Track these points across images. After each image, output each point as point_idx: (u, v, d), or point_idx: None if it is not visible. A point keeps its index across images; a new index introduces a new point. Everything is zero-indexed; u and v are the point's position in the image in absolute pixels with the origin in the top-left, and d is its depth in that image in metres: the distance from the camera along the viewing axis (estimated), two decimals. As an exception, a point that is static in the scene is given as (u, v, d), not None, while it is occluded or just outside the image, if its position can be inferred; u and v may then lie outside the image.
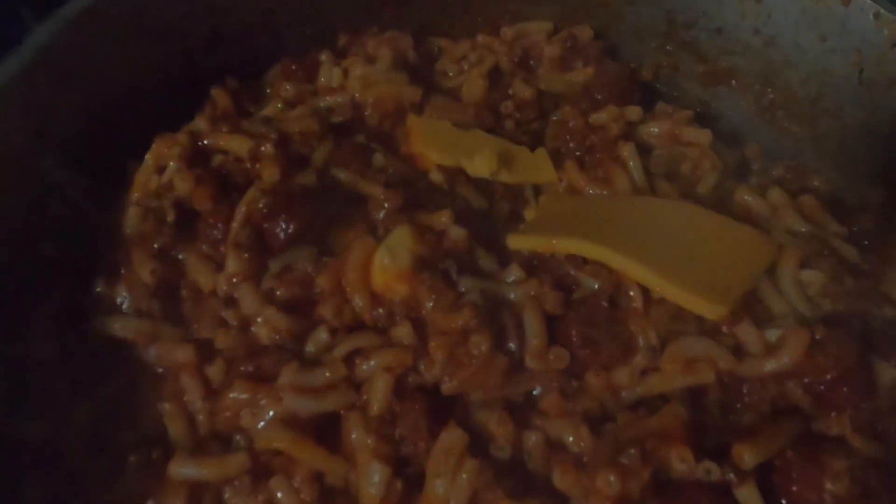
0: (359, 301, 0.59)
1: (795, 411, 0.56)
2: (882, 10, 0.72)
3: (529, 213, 0.71)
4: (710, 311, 0.54)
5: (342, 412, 0.55)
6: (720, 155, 0.80)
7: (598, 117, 0.79)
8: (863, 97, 0.77)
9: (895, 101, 0.74)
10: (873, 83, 0.75)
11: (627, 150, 0.74)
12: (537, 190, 0.75)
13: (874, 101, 0.76)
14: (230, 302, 0.60)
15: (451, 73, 0.87)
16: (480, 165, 0.70)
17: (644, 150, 0.78)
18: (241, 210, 0.60)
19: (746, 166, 0.85)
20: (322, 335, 0.58)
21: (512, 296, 0.59)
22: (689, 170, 0.77)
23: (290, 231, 0.59)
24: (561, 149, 0.79)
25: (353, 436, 0.54)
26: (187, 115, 0.73)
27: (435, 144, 0.73)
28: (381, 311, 0.59)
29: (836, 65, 0.77)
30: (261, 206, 0.59)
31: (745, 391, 0.56)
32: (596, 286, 0.58)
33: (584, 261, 0.60)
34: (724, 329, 0.56)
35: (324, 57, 0.83)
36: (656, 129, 0.80)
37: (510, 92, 0.84)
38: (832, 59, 0.78)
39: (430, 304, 0.58)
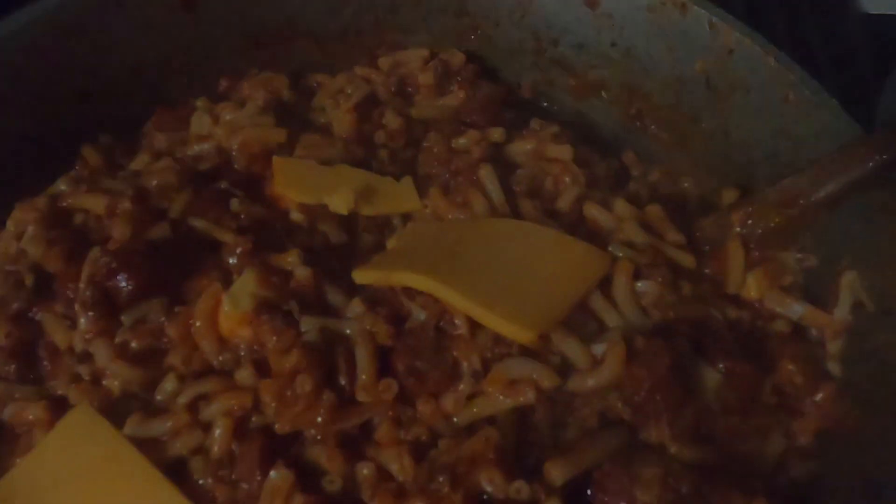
0: (206, 347, 0.62)
1: (621, 423, 0.58)
2: (714, 19, 0.75)
3: (391, 242, 0.74)
4: (519, 334, 0.56)
5: (188, 456, 0.58)
6: (591, 167, 0.82)
7: (460, 142, 0.81)
8: (713, 102, 0.79)
9: (740, 106, 0.77)
10: (719, 89, 0.78)
11: (485, 173, 0.76)
12: (406, 218, 0.77)
13: (723, 106, 0.78)
14: (85, 357, 0.63)
15: (327, 109, 0.89)
16: (338, 203, 0.72)
17: (512, 170, 0.81)
18: (84, 270, 0.63)
19: (626, 173, 0.88)
20: (169, 384, 0.60)
21: (348, 331, 0.61)
22: (552, 185, 0.79)
23: (130, 287, 0.62)
24: (432, 175, 0.82)
25: (197, 479, 0.57)
26: (60, 174, 0.76)
27: (296, 184, 0.75)
28: (227, 355, 0.62)
29: (686, 73, 0.80)
30: (101, 265, 0.62)
31: (575, 406, 0.59)
32: (422, 316, 0.60)
33: (417, 292, 0.62)
34: (540, 350, 0.58)
35: (199, 104, 0.85)
36: (522, 147, 0.82)
37: (383, 122, 0.87)
38: (681, 68, 0.80)
39: (271, 346, 0.61)
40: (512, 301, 0.58)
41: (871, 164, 0.59)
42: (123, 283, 0.62)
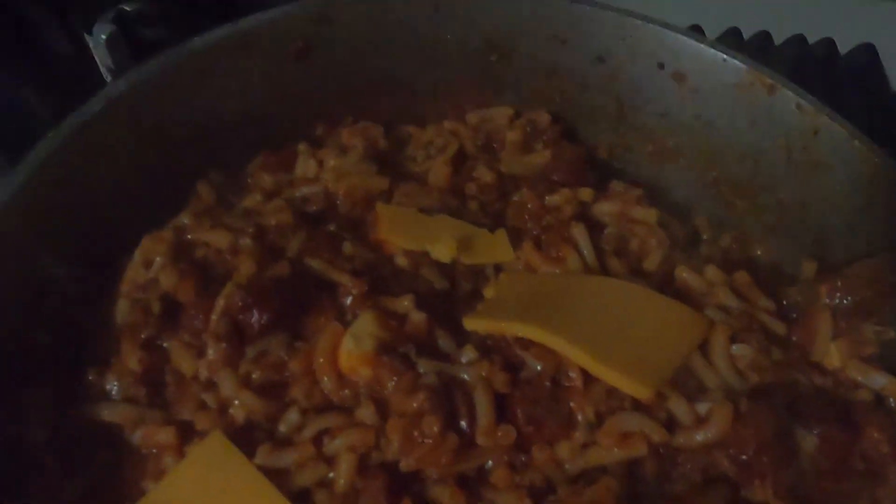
0: (327, 383, 0.65)
1: (724, 479, 0.61)
2: (802, 101, 0.80)
3: (489, 291, 0.77)
4: (637, 391, 0.60)
5: (312, 488, 0.61)
6: (669, 228, 0.87)
7: (553, 199, 0.85)
8: (792, 177, 0.84)
9: (821, 182, 0.81)
10: (800, 165, 0.83)
11: (578, 231, 0.81)
12: (497, 268, 0.81)
13: (802, 181, 0.83)
14: (210, 386, 0.66)
15: (418, 159, 0.94)
16: (441, 252, 0.77)
17: (598, 228, 0.85)
18: (219, 303, 0.66)
19: (697, 236, 0.93)
20: (293, 416, 0.64)
21: (465, 376, 0.65)
22: (637, 246, 0.84)
23: (263, 321, 0.65)
24: (521, 228, 0.86)
25: (322, 511, 0.60)
26: (174, 207, 0.80)
27: (400, 231, 0.80)
28: (347, 392, 0.65)
29: (767, 147, 0.85)
30: (236, 299, 0.66)
31: (678, 461, 0.62)
32: (539, 367, 0.64)
33: (531, 342, 0.66)
34: (653, 406, 0.61)
35: (301, 148, 0.90)
36: (608, 208, 0.87)
37: (474, 175, 0.92)
38: (763, 142, 0.85)
39: (391, 385, 0.64)
40: (626, 357, 0.62)
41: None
42: (255, 318, 0.65)
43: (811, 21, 1.44)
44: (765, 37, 1.37)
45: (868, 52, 1.44)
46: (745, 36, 1.37)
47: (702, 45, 0.85)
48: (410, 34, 0.91)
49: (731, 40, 1.33)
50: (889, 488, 0.66)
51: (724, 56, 0.84)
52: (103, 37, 0.73)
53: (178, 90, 0.80)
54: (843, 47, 1.42)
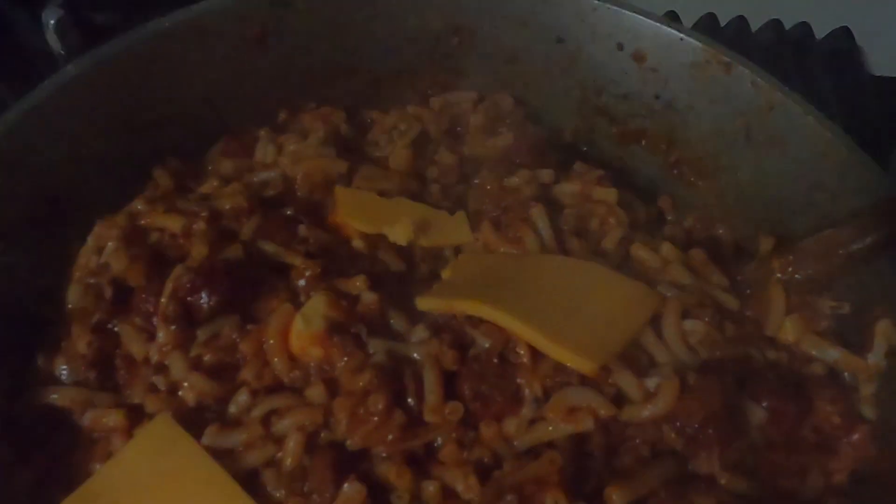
0: (278, 364, 0.65)
1: (672, 453, 0.62)
2: (757, 78, 0.80)
3: (446, 272, 0.77)
4: (582, 365, 0.60)
5: (260, 468, 0.61)
6: (632, 209, 0.87)
7: (512, 181, 0.85)
8: (751, 155, 0.84)
9: (778, 159, 0.82)
10: (758, 143, 0.83)
11: (536, 212, 0.80)
12: (457, 250, 0.81)
13: (760, 158, 0.83)
14: (161, 368, 0.66)
15: (381, 143, 0.94)
16: (398, 234, 0.77)
17: (559, 209, 0.85)
18: (168, 286, 0.66)
19: (662, 217, 0.93)
20: (242, 397, 0.64)
21: (415, 355, 0.65)
22: (597, 226, 0.83)
23: (211, 303, 0.65)
24: (482, 211, 0.86)
25: (270, 491, 0.60)
26: (132, 193, 0.80)
27: (358, 214, 0.80)
28: (297, 373, 0.65)
29: (726, 126, 0.85)
30: (184, 281, 0.66)
31: (626, 435, 0.62)
32: (486, 344, 0.64)
33: (480, 320, 0.66)
34: (599, 381, 0.61)
35: (262, 133, 0.90)
36: (569, 189, 0.87)
37: (435, 158, 0.91)
38: (722, 121, 0.85)
39: (341, 365, 0.64)
40: (574, 333, 0.62)
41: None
42: (205, 300, 0.65)
43: (787, 6, 1.45)
44: (741, 22, 1.38)
45: (844, 36, 1.44)
46: (722, 22, 1.37)
47: (659, 25, 0.85)
48: (371, 18, 0.91)
49: (708, 26, 1.33)
50: (841, 460, 0.67)
51: (681, 35, 0.84)
52: (52, 22, 0.72)
53: (131, 76, 0.79)
54: (820, 31, 1.42)
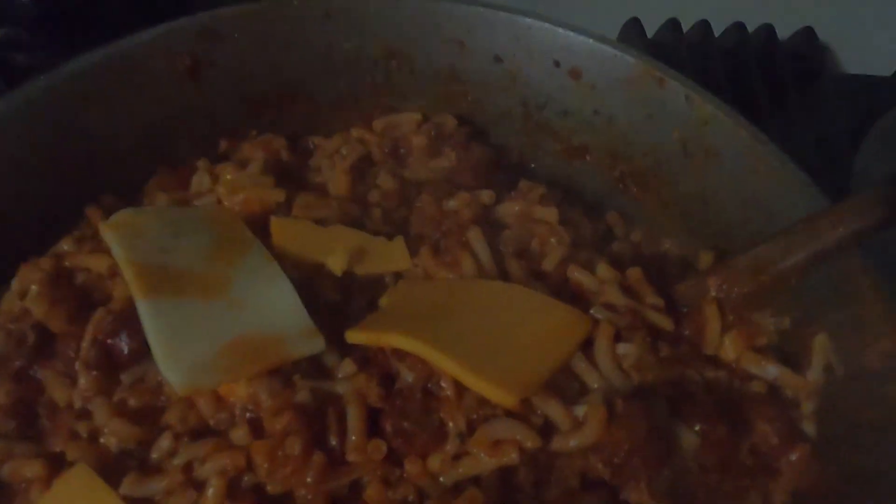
0: (203, 406, 0.64)
1: (602, 483, 0.60)
2: (691, 93, 0.79)
3: (383, 301, 0.76)
4: (502, 398, 0.59)
5: (181, 515, 0.60)
6: (577, 227, 0.86)
7: (451, 203, 0.84)
8: (689, 169, 0.83)
9: (714, 174, 0.81)
10: (695, 157, 0.82)
11: (473, 235, 0.79)
12: (398, 276, 0.80)
13: (698, 173, 0.82)
14: (84, 414, 0.65)
15: (322, 169, 0.93)
16: (333, 264, 0.76)
17: (500, 230, 0.84)
18: (88, 330, 0.65)
19: (611, 232, 0.92)
20: (164, 442, 0.62)
21: (340, 390, 0.64)
22: (538, 246, 0.82)
23: (133, 346, 0.64)
24: (424, 235, 0.85)
25: (189, 538, 0.58)
26: (64, 233, 0.79)
27: (294, 244, 0.79)
28: (223, 415, 0.64)
29: (664, 140, 0.84)
30: (105, 325, 0.64)
31: (555, 466, 0.61)
32: (410, 378, 0.63)
33: (406, 354, 0.65)
34: (523, 412, 0.60)
35: (200, 164, 0.89)
36: (511, 209, 0.86)
37: (377, 182, 0.90)
38: (660, 136, 0.84)
39: (267, 405, 0.63)
40: (496, 364, 0.61)
41: (836, 236, 0.62)
42: (125, 343, 0.64)
43: (750, 8, 1.44)
44: (704, 26, 1.37)
45: (807, 36, 1.44)
46: (685, 27, 1.36)
47: (592, 41, 0.84)
48: (305, 45, 0.90)
49: (671, 31, 1.33)
50: (781, 481, 0.66)
51: (615, 51, 0.83)
52: (-31, 64, 0.71)
53: (61, 114, 0.79)
54: (783, 33, 1.42)
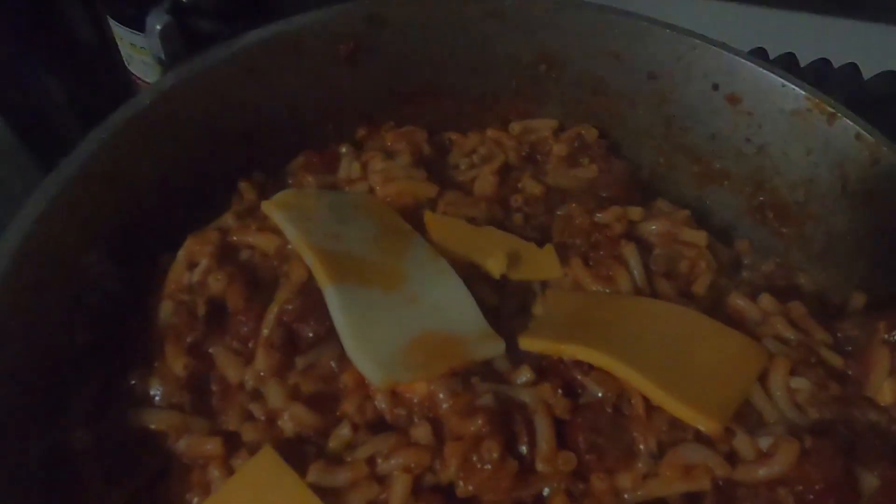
0: (380, 400, 0.63)
1: (785, 517, 0.60)
2: (862, 132, 0.79)
3: (537, 308, 0.76)
4: (706, 425, 0.58)
5: (363, 508, 0.59)
6: (716, 251, 0.85)
7: (602, 216, 0.84)
8: (846, 207, 0.83)
9: (876, 214, 0.80)
10: (856, 196, 0.82)
11: (629, 250, 0.79)
12: (543, 285, 0.79)
13: (857, 212, 0.82)
14: (256, 395, 0.64)
15: (462, 167, 0.92)
16: (492, 267, 0.75)
17: (645, 248, 0.84)
18: (272, 311, 0.64)
19: (738, 261, 0.91)
20: (344, 431, 0.61)
21: (525, 398, 0.63)
22: (687, 269, 0.82)
23: (318, 332, 0.63)
24: (566, 244, 0.84)
25: (373, 532, 0.58)
26: (217, 206, 0.78)
27: (449, 241, 0.78)
28: (401, 410, 0.63)
29: (822, 176, 0.84)
30: (291, 307, 0.63)
31: (737, 496, 0.61)
32: (600, 393, 0.62)
33: (590, 366, 0.64)
34: (722, 439, 0.60)
35: (344, 149, 0.88)
36: (655, 228, 0.85)
37: (519, 186, 0.90)
38: (818, 171, 0.84)
39: (446, 405, 0.62)
40: (693, 388, 0.61)
41: None
42: (311, 327, 0.63)
43: (836, 45, 1.43)
44: (823, 63, 1.35)
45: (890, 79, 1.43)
46: (802, 62, 1.34)
47: (761, 69, 0.83)
48: (463, 41, 0.89)
49: (787, 65, 1.31)
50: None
51: (783, 81, 0.83)
52: (158, 27, 0.70)
53: (226, 87, 0.78)
54: (867, 73, 1.41)
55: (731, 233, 0.94)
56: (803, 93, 0.82)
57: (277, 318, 0.63)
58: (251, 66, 0.79)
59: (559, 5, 0.87)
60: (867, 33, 1.45)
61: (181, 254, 0.70)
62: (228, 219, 0.74)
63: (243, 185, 0.80)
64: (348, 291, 0.63)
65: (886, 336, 0.71)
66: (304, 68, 0.83)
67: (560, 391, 0.63)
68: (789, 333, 0.71)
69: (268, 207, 0.72)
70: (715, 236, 0.90)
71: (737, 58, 0.85)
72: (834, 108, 0.80)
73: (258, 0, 0.75)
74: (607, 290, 0.76)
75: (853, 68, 1.30)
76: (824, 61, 1.31)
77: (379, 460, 0.60)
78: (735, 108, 0.87)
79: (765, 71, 0.83)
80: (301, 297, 0.64)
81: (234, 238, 0.72)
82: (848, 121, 0.80)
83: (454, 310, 0.67)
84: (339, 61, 0.85)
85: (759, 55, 1.22)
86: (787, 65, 1.27)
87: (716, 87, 0.87)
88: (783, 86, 0.83)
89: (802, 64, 1.31)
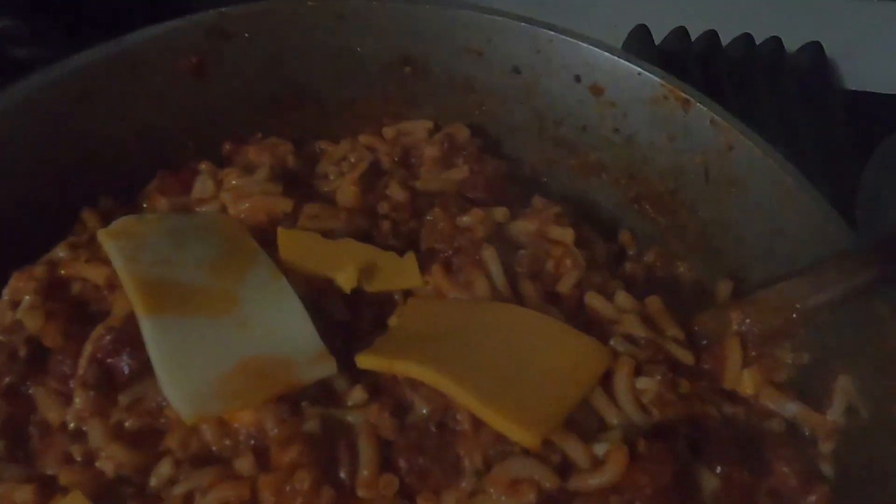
0: (206, 431, 0.61)
1: (620, 526, 0.58)
2: (716, 117, 0.77)
3: (393, 321, 0.73)
4: (523, 438, 0.56)
5: (181, 548, 0.57)
6: (591, 247, 0.83)
7: (465, 219, 0.81)
8: (711, 195, 0.81)
9: (737, 202, 0.79)
10: (718, 182, 0.80)
11: (488, 254, 0.77)
12: (407, 293, 0.77)
13: (720, 199, 0.80)
14: (78, 436, 0.62)
15: (330, 177, 0.89)
16: (343, 281, 0.72)
17: (514, 249, 0.82)
18: (87, 348, 0.62)
19: (623, 252, 0.90)
20: (164, 468, 0.59)
21: (351, 419, 0.61)
22: (553, 268, 0.80)
23: (134, 366, 0.61)
24: (436, 249, 0.82)
25: (188, 572, 0.56)
26: (60, 238, 0.75)
27: (302, 257, 0.75)
28: (227, 441, 0.61)
29: (686, 164, 0.82)
30: (105, 342, 0.61)
31: (573, 506, 0.59)
32: (425, 410, 0.60)
33: (421, 383, 0.62)
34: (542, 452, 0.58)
35: (202, 167, 0.85)
36: (525, 227, 0.83)
37: (387, 193, 0.87)
38: (682, 159, 0.82)
39: (274, 432, 0.60)
40: (516, 399, 0.58)
41: (867, 276, 0.61)
42: (126, 362, 0.61)
43: (758, 20, 1.43)
44: (712, 36, 1.35)
45: (815, 51, 1.42)
46: (693, 35, 1.34)
47: (617, 58, 0.81)
48: (317, 46, 0.87)
49: (678, 40, 1.31)
50: (799, 524, 0.64)
51: (639, 69, 0.81)
52: (-36, 57, 0.67)
53: (56, 114, 0.75)
54: (791, 46, 1.41)
55: (615, 224, 0.93)
56: (658, 80, 0.80)
57: (91, 355, 0.61)
58: (82, 91, 0.76)
59: (410, 4, 0.84)
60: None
61: (5, 292, 0.68)
62: (59, 251, 0.71)
63: (86, 214, 0.78)
64: (165, 322, 0.61)
65: (737, 327, 0.69)
66: (145, 88, 0.80)
67: (389, 411, 0.61)
68: (639, 331, 0.69)
69: (101, 236, 0.70)
70: (601, 229, 0.88)
71: (593, 48, 0.83)
72: (688, 94, 0.78)
73: (75, 22, 0.72)
74: (465, 297, 0.75)
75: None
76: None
77: (197, 495, 0.58)
78: (598, 99, 0.85)
79: (621, 60, 0.81)
80: (115, 332, 0.61)
81: (64, 271, 0.70)
82: (702, 106, 0.78)
83: (287, 331, 0.65)
84: (185, 77, 0.82)
85: (643, 34, 1.21)
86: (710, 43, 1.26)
87: (578, 78, 0.85)
88: (639, 74, 0.81)
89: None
